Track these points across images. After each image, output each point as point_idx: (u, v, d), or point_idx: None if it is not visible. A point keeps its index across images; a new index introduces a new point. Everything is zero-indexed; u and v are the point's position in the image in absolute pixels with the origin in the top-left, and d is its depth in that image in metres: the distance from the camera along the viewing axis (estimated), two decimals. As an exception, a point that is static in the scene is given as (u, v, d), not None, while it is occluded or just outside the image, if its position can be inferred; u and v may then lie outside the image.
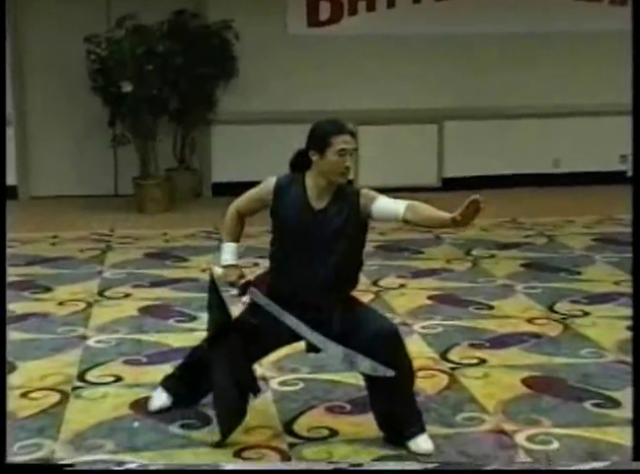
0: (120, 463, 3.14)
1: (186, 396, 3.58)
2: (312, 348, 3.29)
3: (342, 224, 3.16)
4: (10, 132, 8.14)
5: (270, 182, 3.26)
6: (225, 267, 3.33)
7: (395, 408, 3.26)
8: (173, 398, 3.58)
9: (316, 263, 3.17)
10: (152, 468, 3.04)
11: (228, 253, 3.34)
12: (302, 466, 2.95)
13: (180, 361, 3.71)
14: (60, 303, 5.17)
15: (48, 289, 5.47)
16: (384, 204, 3.16)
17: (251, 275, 3.44)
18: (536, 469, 2.91)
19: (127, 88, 7.64)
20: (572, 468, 2.89)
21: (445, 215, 3.03)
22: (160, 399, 3.59)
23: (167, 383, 3.61)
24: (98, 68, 7.91)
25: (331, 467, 2.92)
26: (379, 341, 3.16)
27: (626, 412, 3.57)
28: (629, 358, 4.18)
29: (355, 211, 3.16)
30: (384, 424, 3.31)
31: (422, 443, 3.23)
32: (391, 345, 3.20)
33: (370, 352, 3.15)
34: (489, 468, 2.88)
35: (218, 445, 3.25)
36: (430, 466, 2.93)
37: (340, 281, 3.22)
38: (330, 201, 3.19)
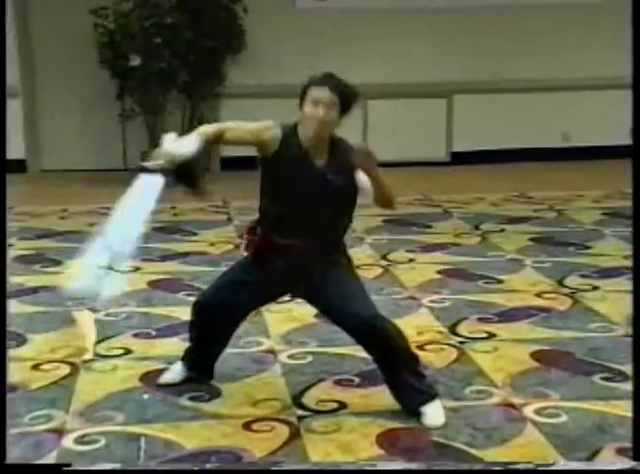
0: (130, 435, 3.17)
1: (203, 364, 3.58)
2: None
3: (341, 183, 3.14)
4: (16, 104, 8.15)
5: (276, 129, 3.13)
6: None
7: (401, 387, 3.28)
8: (190, 371, 3.57)
9: (313, 220, 3.15)
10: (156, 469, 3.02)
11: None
12: (305, 467, 2.96)
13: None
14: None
15: (58, 263, 5.49)
16: (362, 175, 3.12)
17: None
18: (538, 469, 2.92)
19: (136, 61, 7.63)
20: (573, 468, 2.90)
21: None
22: (172, 373, 3.59)
23: (186, 359, 3.59)
24: (106, 41, 7.88)
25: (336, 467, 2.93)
26: (359, 330, 3.21)
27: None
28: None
29: (351, 170, 3.11)
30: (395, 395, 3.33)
31: (434, 417, 3.22)
32: (369, 335, 3.21)
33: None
34: (493, 468, 2.89)
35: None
36: (430, 466, 2.93)
37: (331, 240, 3.24)
38: (329, 158, 3.17)
